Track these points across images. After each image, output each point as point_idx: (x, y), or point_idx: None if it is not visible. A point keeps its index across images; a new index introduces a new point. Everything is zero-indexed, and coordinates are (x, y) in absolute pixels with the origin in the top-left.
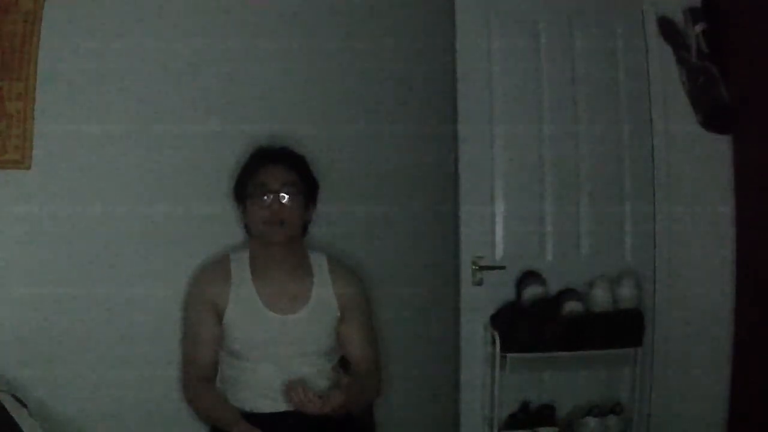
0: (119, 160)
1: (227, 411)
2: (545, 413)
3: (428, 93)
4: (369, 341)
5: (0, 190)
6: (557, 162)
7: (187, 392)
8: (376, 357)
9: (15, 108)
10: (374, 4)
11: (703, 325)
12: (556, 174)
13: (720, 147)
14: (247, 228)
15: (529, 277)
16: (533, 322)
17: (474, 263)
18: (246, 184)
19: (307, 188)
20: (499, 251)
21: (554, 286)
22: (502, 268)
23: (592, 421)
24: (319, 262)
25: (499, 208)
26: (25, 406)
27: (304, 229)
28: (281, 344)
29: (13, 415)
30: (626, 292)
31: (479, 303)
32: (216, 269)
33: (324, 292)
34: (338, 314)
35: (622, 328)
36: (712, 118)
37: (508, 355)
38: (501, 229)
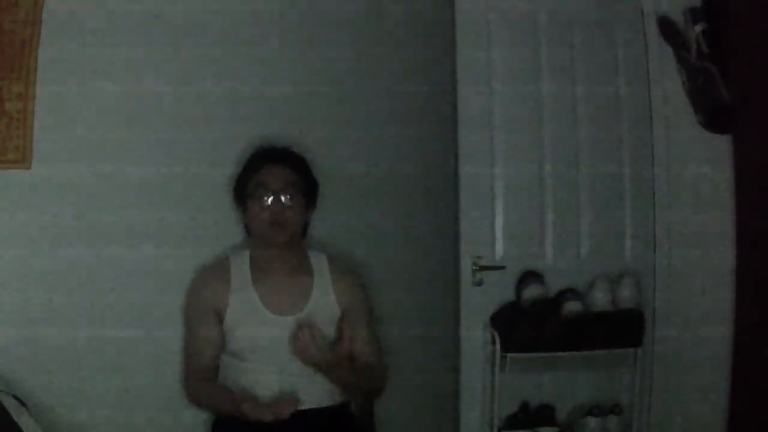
0: (119, 161)
1: (232, 394)
2: (545, 413)
3: (429, 94)
4: (371, 339)
5: (0, 190)
6: (557, 162)
7: (190, 393)
8: (379, 354)
9: (15, 108)
10: (375, 9)
11: (703, 325)
12: (556, 174)
13: (720, 147)
14: (247, 228)
15: (529, 277)
16: (533, 322)
17: (474, 263)
18: (246, 185)
19: (308, 188)
20: (499, 251)
21: (554, 286)
22: (502, 268)
23: (592, 422)
24: (319, 263)
25: (499, 208)
26: (24, 405)
27: (304, 229)
28: (282, 345)
29: (13, 415)
30: (626, 292)
31: (479, 303)
32: (216, 271)
33: (324, 292)
34: (339, 314)
35: (622, 329)
36: (712, 118)
37: (508, 355)
38: (501, 229)
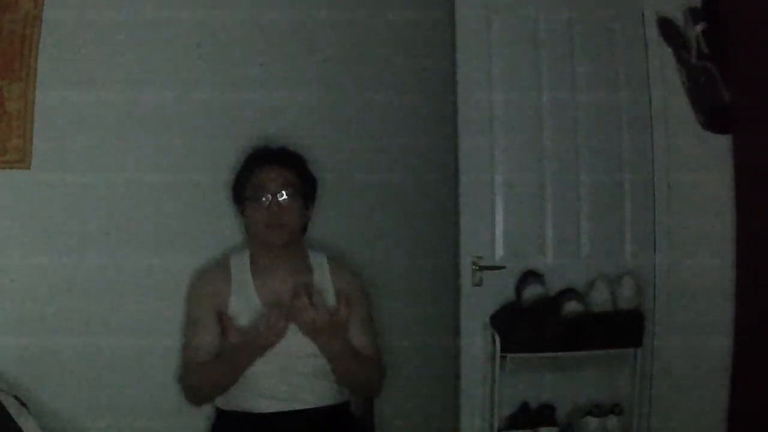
0: (119, 161)
1: (227, 350)
2: (545, 413)
3: (429, 94)
4: (370, 338)
5: (0, 190)
6: (557, 162)
7: (188, 385)
8: (377, 352)
9: (15, 108)
10: (375, 14)
11: (703, 326)
12: (556, 174)
13: (720, 147)
14: (246, 228)
15: (529, 277)
16: (533, 322)
17: (474, 263)
18: (244, 186)
19: (306, 188)
20: (499, 251)
21: (554, 286)
22: (502, 268)
23: (592, 421)
24: (319, 262)
25: (500, 208)
26: (25, 405)
27: (304, 228)
28: (281, 344)
29: (13, 415)
30: (626, 292)
31: (479, 303)
32: (216, 271)
33: (324, 292)
34: None
35: (622, 328)
36: (712, 118)
37: (508, 355)
38: (501, 229)
